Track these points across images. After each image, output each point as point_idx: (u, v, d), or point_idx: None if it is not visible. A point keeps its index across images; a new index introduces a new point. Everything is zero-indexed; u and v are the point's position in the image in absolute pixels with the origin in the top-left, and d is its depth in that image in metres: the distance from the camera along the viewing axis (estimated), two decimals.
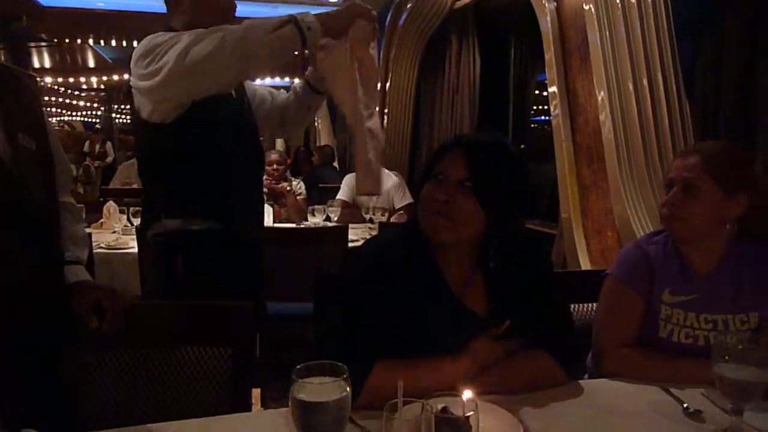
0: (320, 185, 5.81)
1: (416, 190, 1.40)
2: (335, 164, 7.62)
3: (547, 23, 3.14)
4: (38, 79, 9.71)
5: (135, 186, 5.71)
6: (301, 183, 4.61)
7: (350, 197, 4.35)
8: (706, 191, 1.43)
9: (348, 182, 4.47)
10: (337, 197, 4.43)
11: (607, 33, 2.52)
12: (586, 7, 2.66)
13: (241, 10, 1.93)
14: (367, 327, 1.27)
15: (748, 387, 1.08)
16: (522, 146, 5.13)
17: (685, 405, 1.24)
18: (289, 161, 4.22)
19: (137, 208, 3.70)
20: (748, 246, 1.49)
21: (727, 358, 1.10)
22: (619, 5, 2.45)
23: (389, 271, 1.31)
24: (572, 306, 1.85)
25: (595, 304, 1.73)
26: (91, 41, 8.12)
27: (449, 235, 1.31)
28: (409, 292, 1.30)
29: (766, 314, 1.45)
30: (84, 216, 2.16)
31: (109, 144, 12.68)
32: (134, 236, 3.14)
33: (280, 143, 10.11)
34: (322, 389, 0.89)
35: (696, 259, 1.50)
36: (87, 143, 12.31)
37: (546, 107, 3.49)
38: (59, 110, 18.33)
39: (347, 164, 7.66)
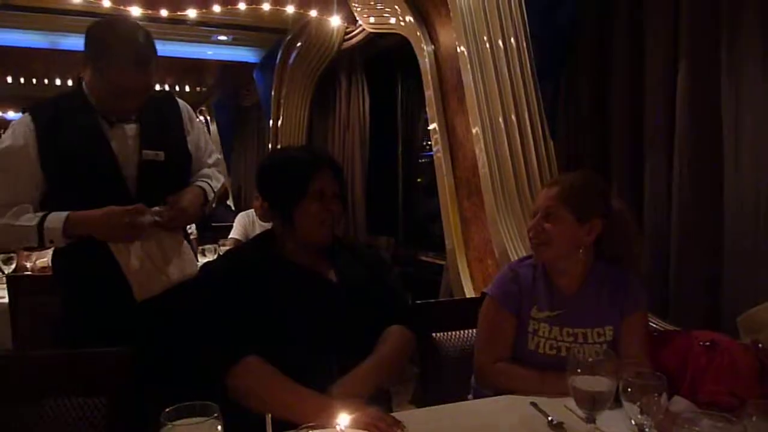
0: (213, 224, 5.69)
1: (285, 207, 1.57)
2: (229, 203, 7.49)
3: (426, 64, 3.32)
4: None
5: None
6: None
7: (243, 236, 4.29)
8: (562, 218, 1.59)
9: (241, 221, 4.42)
10: (230, 236, 4.36)
11: (479, 73, 2.70)
12: (460, 50, 2.85)
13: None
14: (229, 320, 1.45)
15: (599, 396, 1.19)
16: (419, 180, 5.29)
17: (549, 418, 1.34)
18: None
19: (9, 255, 3.46)
20: (605, 267, 1.67)
21: (579, 370, 1.21)
22: (489, 49, 2.64)
23: (245, 269, 1.53)
24: (457, 332, 1.98)
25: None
26: None
27: (332, 237, 1.61)
28: (265, 282, 1.51)
29: (619, 328, 1.62)
30: None
31: None
32: (5, 285, 2.93)
33: None
34: (192, 431, 0.89)
35: (560, 281, 1.66)
36: None
37: None
38: None
39: (242, 202, 7.57)
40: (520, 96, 2.53)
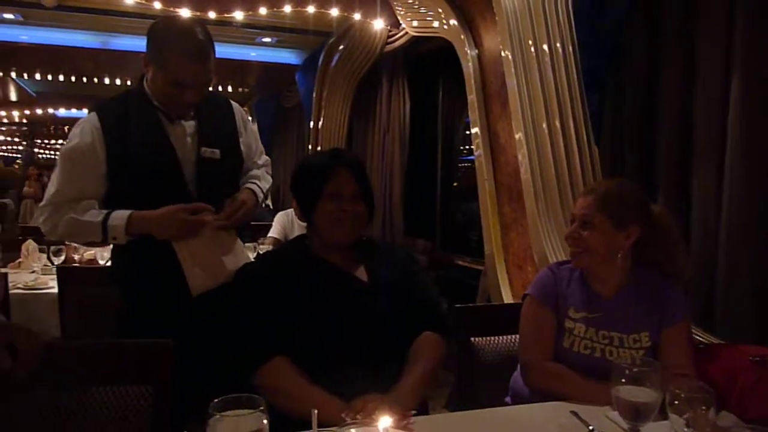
0: (252, 223, 5.76)
1: (307, 207, 1.64)
2: (268, 202, 7.58)
3: (469, 68, 3.31)
4: None
5: None
6: None
7: (282, 235, 4.34)
8: (599, 225, 1.60)
9: (280, 220, 4.47)
10: (269, 235, 4.42)
11: (524, 78, 2.68)
12: (504, 54, 2.83)
13: None
14: (262, 321, 1.51)
15: (643, 407, 1.17)
16: (455, 184, 5.28)
17: (590, 427, 1.32)
18: None
19: (59, 247, 3.57)
20: (644, 273, 1.66)
21: (623, 381, 1.19)
22: (534, 54, 2.62)
23: (279, 269, 1.60)
24: (495, 338, 1.97)
25: (515, 336, 1.83)
26: (13, 74, 7.88)
27: (354, 237, 1.64)
28: (296, 279, 1.57)
29: (655, 335, 1.59)
30: None
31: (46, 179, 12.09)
32: (54, 276, 3.03)
33: None
34: (239, 422, 0.91)
35: (597, 285, 1.66)
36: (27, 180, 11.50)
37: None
38: None
39: (281, 202, 7.65)
40: (565, 102, 2.50)
